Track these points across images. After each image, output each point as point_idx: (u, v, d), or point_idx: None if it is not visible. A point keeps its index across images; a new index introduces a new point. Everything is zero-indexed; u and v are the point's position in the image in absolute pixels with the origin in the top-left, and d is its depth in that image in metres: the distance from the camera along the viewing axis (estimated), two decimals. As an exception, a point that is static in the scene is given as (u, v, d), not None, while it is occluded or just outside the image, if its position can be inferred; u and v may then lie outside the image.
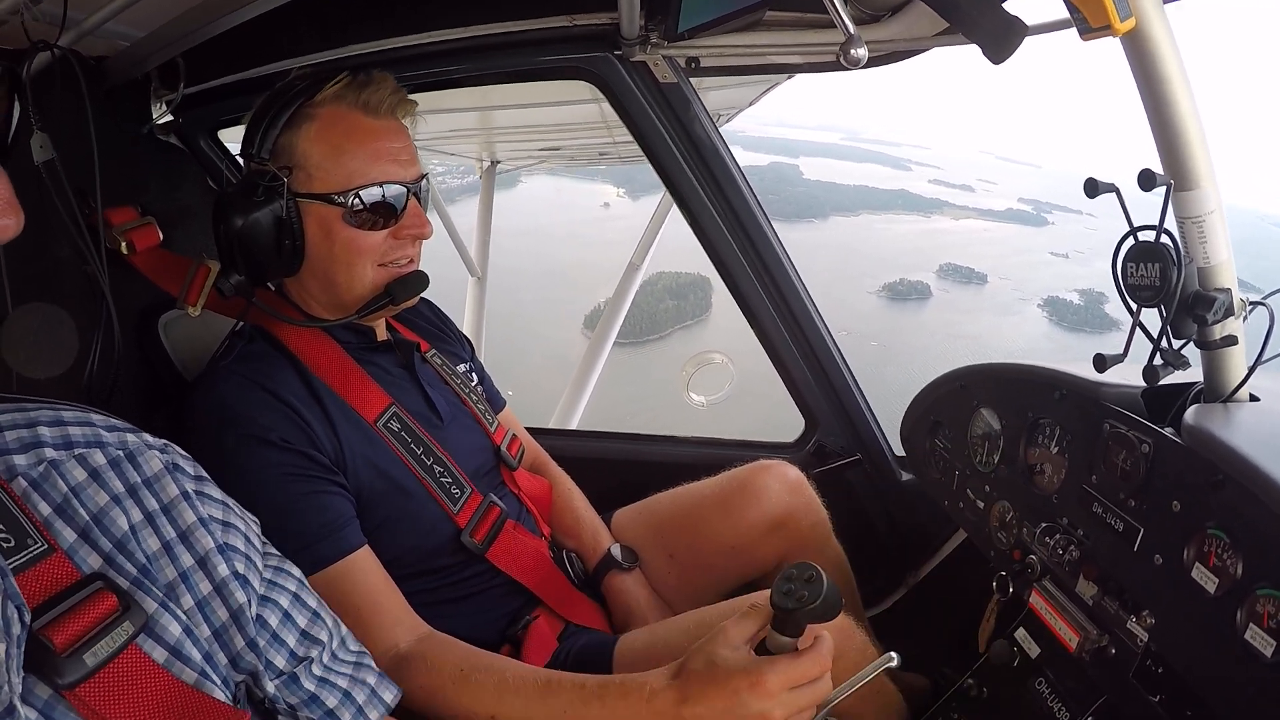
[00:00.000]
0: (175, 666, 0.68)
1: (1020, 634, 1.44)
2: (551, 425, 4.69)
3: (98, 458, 0.73)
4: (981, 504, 1.64)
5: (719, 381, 2.52)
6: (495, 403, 1.73)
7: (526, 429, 1.85)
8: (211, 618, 0.75)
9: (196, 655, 0.71)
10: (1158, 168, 1.12)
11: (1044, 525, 1.41)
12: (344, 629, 0.92)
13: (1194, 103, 1.08)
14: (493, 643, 1.41)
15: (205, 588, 0.75)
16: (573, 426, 5.04)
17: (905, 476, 2.19)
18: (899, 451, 2.09)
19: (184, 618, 0.71)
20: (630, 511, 1.79)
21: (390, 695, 0.91)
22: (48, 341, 0.67)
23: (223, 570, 0.76)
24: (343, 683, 0.87)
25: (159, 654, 0.68)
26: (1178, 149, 1.10)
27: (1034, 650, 1.40)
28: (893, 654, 1.04)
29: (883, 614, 2.19)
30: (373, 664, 0.92)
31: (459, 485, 1.40)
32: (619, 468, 2.31)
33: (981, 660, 1.50)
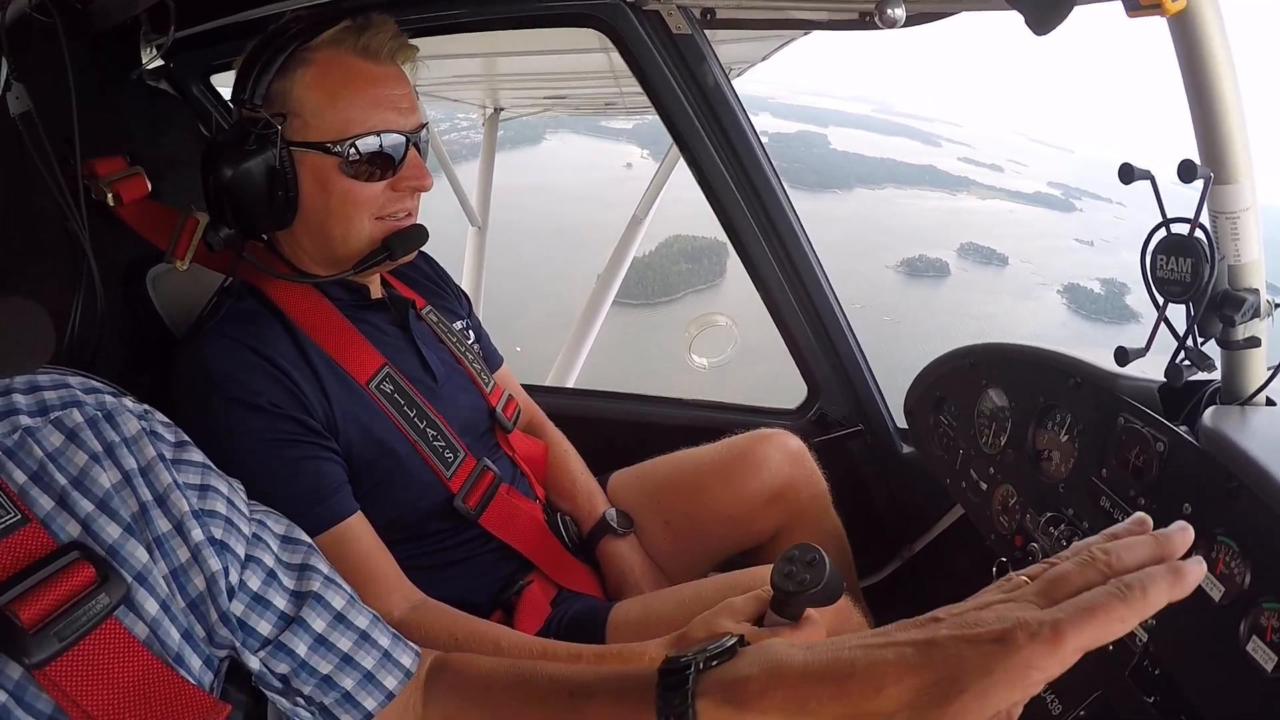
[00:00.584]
0: (156, 645, 0.66)
1: None
2: (548, 383, 4.63)
3: (74, 417, 0.69)
4: (984, 485, 1.61)
5: (722, 344, 2.47)
6: (492, 361, 1.69)
7: (522, 385, 1.82)
8: (188, 587, 0.71)
9: (176, 630, 0.68)
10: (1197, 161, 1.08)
11: (1049, 514, 1.38)
12: (345, 586, 0.86)
13: (1239, 93, 1.03)
14: (484, 608, 1.40)
15: (183, 554, 0.71)
16: (570, 384, 4.98)
17: (906, 449, 2.17)
18: (901, 423, 2.06)
19: (163, 587, 0.68)
20: (627, 475, 1.77)
21: (409, 660, 0.87)
22: (24, 337, 0.65)
23: (198, 535, 0.72)
24: (345, 645, 0.81)
25: (140, 629, 0.65)
26: (1218, 140, 1.05)
27: None
28: None
29: (877, 585, 2.18)
30: (385, 626, 0.87)
31: (452, 449, 1.37)
32: (616, 428, 2.28)
33: None
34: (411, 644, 0.89)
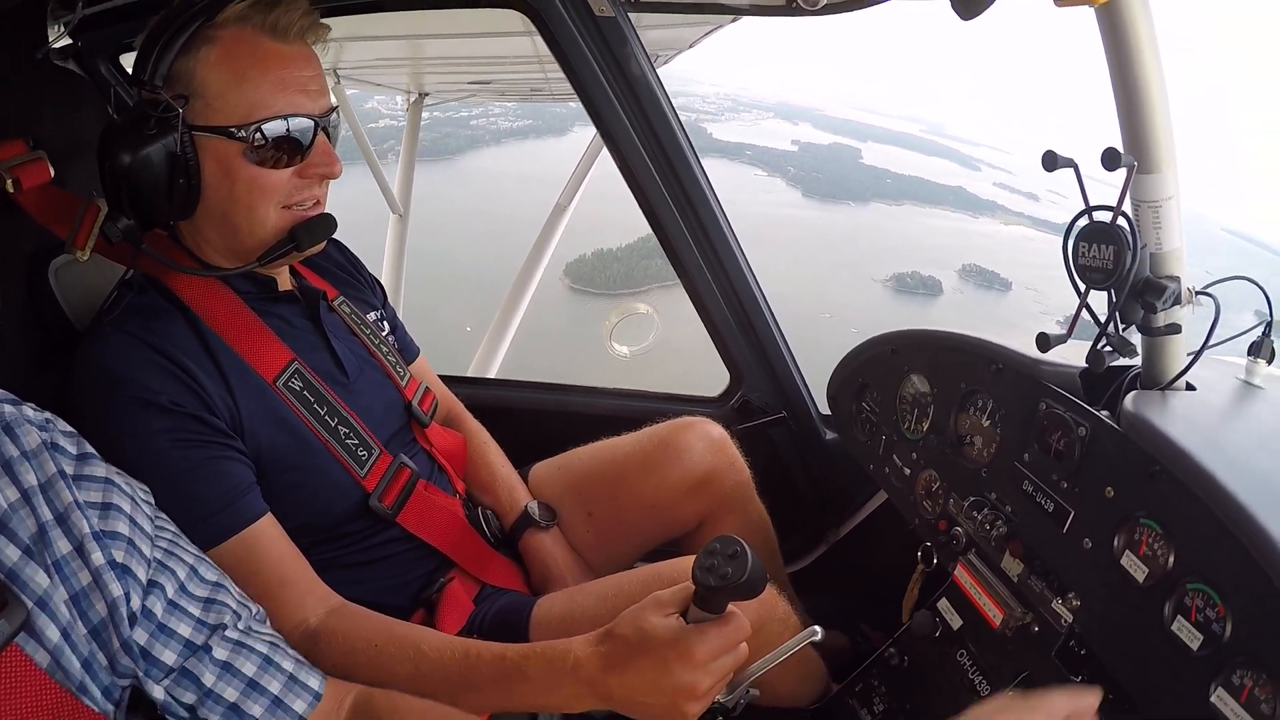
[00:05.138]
0: (58, 673, 0.61)
1: (943, 604, 1.43)
2: (469, 374, 4.49)
3: None
4: (908, 471, 1.62)
5: (644, 332, 2.44)
6: (408, 353, 1.63)
7: (440, 377, 1.77)
8: (89, 613, 0.66)
9: (77, 658, 0.63)
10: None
11: (972, 499, 1.40)
12: (253, 609, 0.85)
13: (1164, 84, 1.05)
14: (405, 608, 1.36)
15: (84, 578, 0.66)
16: (491, 375, 4.86)
17: (829, 435, 2.18)
18: (825, 410, 2.07)
19: (65, 613, 0.63)
20: (548, 466, 1.73)
21: (316, 682, 0.86)
22: None
23: (99, 558, 0.68)
24: (249, 670, 0.80)
25: (41, 656, 0.61)
26: (1142, 129, 1.07)
27: (956, 622, 1.40)
28: (816, 628, 1.01)
29: (803, 570, 2.19)
30: (288, 650, 0.86)
31: (366, 446, 1.32)
32: (537, 419, 2.24)
33: (903, 630, 1.50)
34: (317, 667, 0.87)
